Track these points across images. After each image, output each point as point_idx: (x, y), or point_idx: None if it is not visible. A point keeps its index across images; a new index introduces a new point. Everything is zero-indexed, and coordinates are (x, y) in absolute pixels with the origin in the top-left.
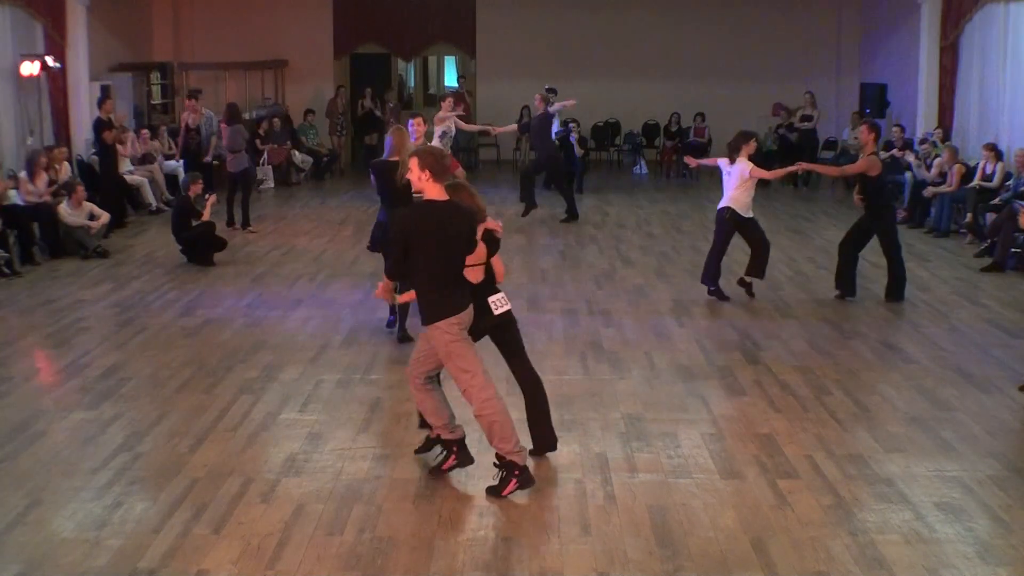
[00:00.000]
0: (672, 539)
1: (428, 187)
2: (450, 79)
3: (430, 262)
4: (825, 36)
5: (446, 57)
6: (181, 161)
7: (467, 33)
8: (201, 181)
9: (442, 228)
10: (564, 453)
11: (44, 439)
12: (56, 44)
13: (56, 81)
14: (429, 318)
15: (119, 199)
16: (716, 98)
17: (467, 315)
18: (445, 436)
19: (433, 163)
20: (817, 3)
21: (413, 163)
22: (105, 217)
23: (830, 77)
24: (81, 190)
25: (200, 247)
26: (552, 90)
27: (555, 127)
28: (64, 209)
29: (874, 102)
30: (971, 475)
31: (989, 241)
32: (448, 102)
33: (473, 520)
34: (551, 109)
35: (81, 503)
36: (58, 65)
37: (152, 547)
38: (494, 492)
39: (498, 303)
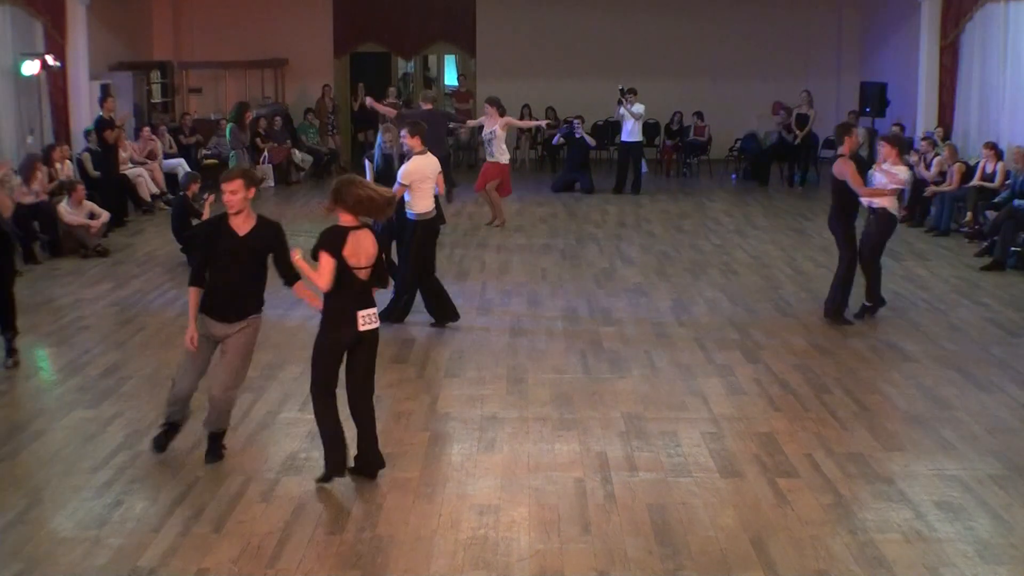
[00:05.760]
0: (672, 538)
1: None
2: (450, 79)
3: None
4: (825, 36)
5: (446, 57)
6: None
7: (467, 33)
8: (199, 180)
9: None
10: (564, 452)
11: (44, 438)
12: (56, 43)
13: (56, 80)
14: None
15: (119, 197)
16: (716, 97)
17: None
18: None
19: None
20: (817, 3)
21: None
22: (105, 216)
23: (830, 77)
24: (81, 189)
25: None
26: (632, 90)
27: (627, 128)
28: (64, 208)
29: (874, 102)
30: (971, 474)
31: (989, 240)
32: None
33: (473, 520)
34: (634, 110)
35: (81, 502)
36: (58, 64)
37: (152, 546)
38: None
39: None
